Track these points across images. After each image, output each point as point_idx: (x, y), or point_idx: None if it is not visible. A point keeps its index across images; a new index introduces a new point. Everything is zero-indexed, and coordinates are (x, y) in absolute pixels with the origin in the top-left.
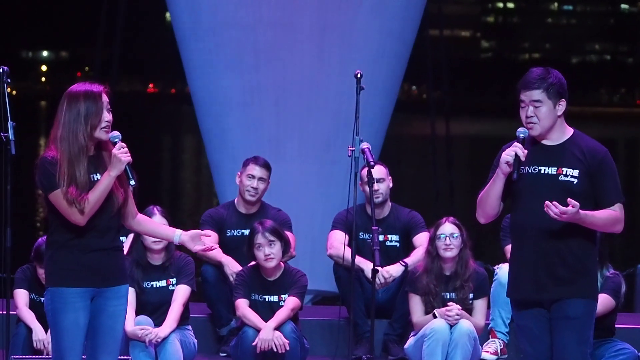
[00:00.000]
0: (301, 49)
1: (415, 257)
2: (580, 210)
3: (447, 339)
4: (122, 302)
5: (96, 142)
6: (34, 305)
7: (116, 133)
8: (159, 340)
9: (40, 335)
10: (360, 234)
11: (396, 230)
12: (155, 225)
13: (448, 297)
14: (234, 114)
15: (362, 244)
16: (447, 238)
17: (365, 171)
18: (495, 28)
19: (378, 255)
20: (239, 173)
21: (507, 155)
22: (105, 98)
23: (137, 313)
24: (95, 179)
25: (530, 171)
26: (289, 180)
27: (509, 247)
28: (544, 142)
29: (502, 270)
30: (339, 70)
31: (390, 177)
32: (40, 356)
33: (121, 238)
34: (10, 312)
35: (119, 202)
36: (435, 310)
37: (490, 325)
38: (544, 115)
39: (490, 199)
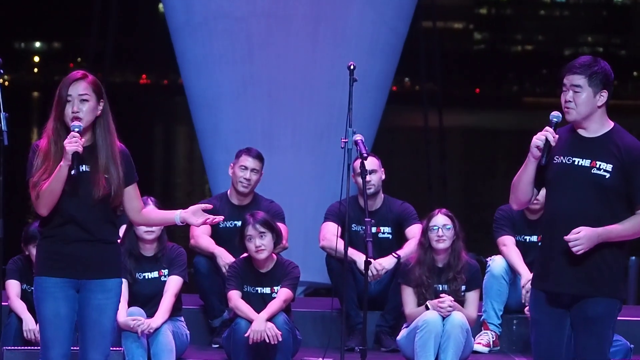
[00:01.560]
0: (294, 41)
1: (408, 249)
2: (598, 229)
3: (439, 330)
4: (108, 295)
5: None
6: (25, 296)
7: (77, 123)
8: (151, 331)
9: (31, 325)
10: (353, 225)
11: (389, 222)
12: (156, 214)
13: (440, 288)
14: (227, 106)
15: (355, 236)
16: (440, 229)
17: (358, 163)
18: (488, 20)
19: (371, 247)
20: (232, 164)
21: (538, 139)
22: (81, 87)
23: (130, 304)
24: (82, 169)
25: (564, 161)
26: (282, 172)
27: (502, 239)
28: (581, 132)
29: (495, 262)
30: (332, 62)
31: (382, 169)
32: (31, 347)
33: None
34: (3, 303)
35: (98, 194)
36: (427, 302)
37: (482, 317)
38: (582, 101)
39: (521, 184)
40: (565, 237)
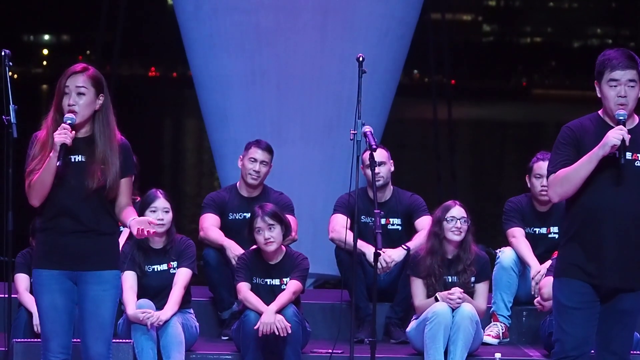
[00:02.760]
0: (303, 33)
1: (418, 241)
2: None
3: (449, 322)
4: (105, 287)
5: (77, 122)
6: None
7: (70, 115)
8: (161, 323)
9: None
10: (362, 217)
11: (398, 214)
12: (125, 215)
13: (450, 280)
14: (236, 98)
15: (364, 228)
16: (458, 221)
17: (367, 154)
18: (497, 12)
19: (380, 239)
20: (241, 156)
21: (615, 138)
22: (79, 79)
23: (139, 297)
24: (76, 160)
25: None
26: (291, 164)
27: (511, 231)
28: (612, 124)
29: (504, 254)
30: (341, 54)
31: (391, 161)
32: (40, 340)
33: None
34: (12, 296)
35: (92, 185)
36: (437, 294)
37: (492, 309)
38: (635, 96)
39: (578, 179)
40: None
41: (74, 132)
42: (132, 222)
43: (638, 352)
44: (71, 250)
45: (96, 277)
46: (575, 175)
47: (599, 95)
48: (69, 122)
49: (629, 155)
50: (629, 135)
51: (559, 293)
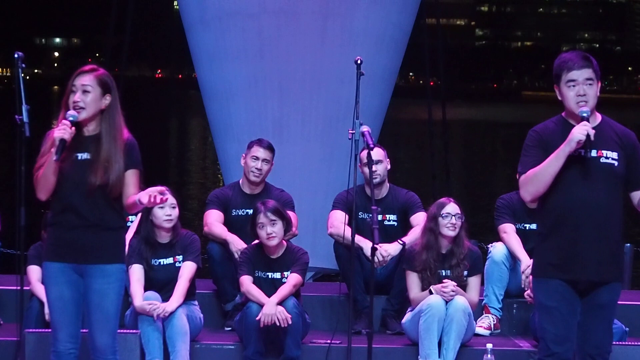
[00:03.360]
0: (304, 37)
1: (413, 236)
2: None
3: (442, 314)
4: (109, 280)
5: (83, 120)
6: None
7: (72, 112)
8: (167, 314)
9: None
10: (360, 213)
11: (394, 210)
12: (131, 200)
13: (444, 274)
14: (239, 99)
15: (362, 223)
16: (453, 218)
17: (364, 153)
18: (489, 17)
19: (377, 234)
20: (244, 155)
21: (580, 134)
22: (85, 78)
23: (146, 289)
24: (81, 157)
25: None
26: (292, 162)
27: (502, 227)
28: (574, 123)
29: (496, 249)
30: (340, 57)
31: (388, 159)
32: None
33: (130, 217)
34: (24, 288)
35: (95, 182)
36: (431, 287)
37: (484, 302)
38: (594, 94)
39: (547, 177)
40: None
41: (74, 128)
42: (142, 194)
43: (624, 342)
44: (76, 244)
45: (100, 271)
46: (544, 172)
47: (559, 98)
48: (70, 118)
49: (593, 152)
50: (594, 130)
51: (538, 293)
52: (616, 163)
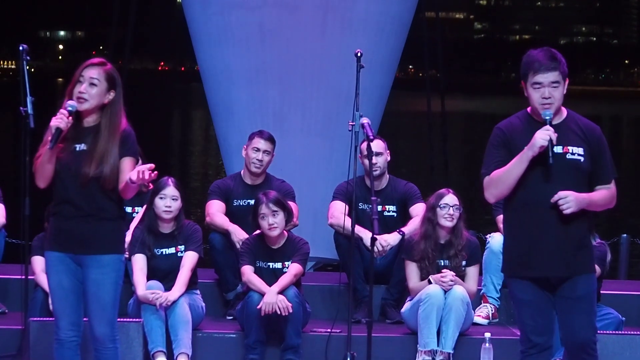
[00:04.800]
0: (305, 29)
1: (412, 226)
2: (582, 195)
3: (441, 303)
4: (105, 271)
5: (84, 111)
6: None
7: (72, 102)
8: (169, 303)
9: None
10: (360, 204)
11: (393, 201)
12: (123, 183)
13: (442, 264)
14: (241, 91)
15: (362, 214)
16: (451, 209)
17: (364, 145)
18: (487, 10)
19: (377, 225)
20: (245, 146)
21: (542, 139)
22: (93, 71)
23: (148, 278)
24: (79, 148)
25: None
26: (293, 153)
27: (500, 217)
28: (540, 122)
29: (494, 239)
30: (341, 50)
31: (388, 151)
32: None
33: (136, 209)
34: (29, 277)
35: (89, 173)
36: (430, 277)
37: (482, 291)
38: (559, 96)
39: (510, 180)
40: (553, 198)
41: (71, 118)
42: (131, 172)
43: (620, 332)
44: (74, 235)
45: (96, 261)
46: (508, 176)
47: (525, 94)
48: (69, 108)
49: (559, 149)
50: (556, 134)
51: (512, 289)
52: (582, 159)
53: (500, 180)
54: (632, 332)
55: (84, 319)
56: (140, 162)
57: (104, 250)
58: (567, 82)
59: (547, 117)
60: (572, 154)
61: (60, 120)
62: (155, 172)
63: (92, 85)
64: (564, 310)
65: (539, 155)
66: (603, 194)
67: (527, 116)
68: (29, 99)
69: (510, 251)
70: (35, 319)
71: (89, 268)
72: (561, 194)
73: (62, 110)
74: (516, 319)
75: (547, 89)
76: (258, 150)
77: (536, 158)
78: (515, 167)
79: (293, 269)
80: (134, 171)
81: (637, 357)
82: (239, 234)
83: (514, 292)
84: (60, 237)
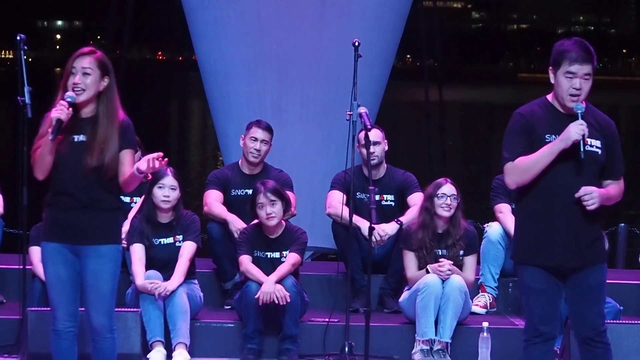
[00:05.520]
0: (302, 19)
1: (410, 216)
2: (602, 190)
3: (439, 293)
4: (103, 261)
5: (81, 102)
6: None
7: (70, 94)
8: (168, 293)
9: None
10: (358, 193)
11: (391, 190)
12: (127, 175)
13: (440, 253)
14: (239, 81)
15: (359, 203)
16: (448, 198)
17: (362, 134)
18: (485, 0)
19: (374, 214)
20: (243, 136)
21: (576, 133)
22: (85, 60)
23: (147, 268)
24: (78, 139)
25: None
26: (291, 143)
27: (498, 207)
28: (559, 108)
29: (492, 229)
30: (338, 39)
31: (386, 140)
32: None
33: (135, 198)
34: (26, 267)
35: (90, 163)
36: (428, 266)
37: (480, 281)
38: (588, 89)
39: (536, 169)
40: (578, 193)
41: (71, 109)
42: (139, 162)
43: (618, 321)
44: (72, 225)
45: (94, 251)
46: (535, 166)
47: (552, 81)
48: (68, 99)
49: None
50: (588, 129)
51: (522, 276)
52: (599, 151)
53: (526, 168)
54: (630, 322)
55: (81, 309)
56: (139, 152)
57: (102, 240)
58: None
59: (579, 111)
60: (591, 146)
61: (60, 112)
62: (166, 159)
63: (85, 75)
64: (575, 300)
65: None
66: (616, 190)
67: (548, 104)
68: (26, 89)
69: (524, 238)
70: (32, 308)
71: (87, 258)
72: (586, 189)
73: (61, 102)
74: (523, 307)
75: (579, 80)
76: (256, 139)
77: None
78: (544, 157)
79: (291, 258)
80: (142, 161)
81: (635, 346)
82: (236, 224)
83: (523, 280)
84: (58, 228)
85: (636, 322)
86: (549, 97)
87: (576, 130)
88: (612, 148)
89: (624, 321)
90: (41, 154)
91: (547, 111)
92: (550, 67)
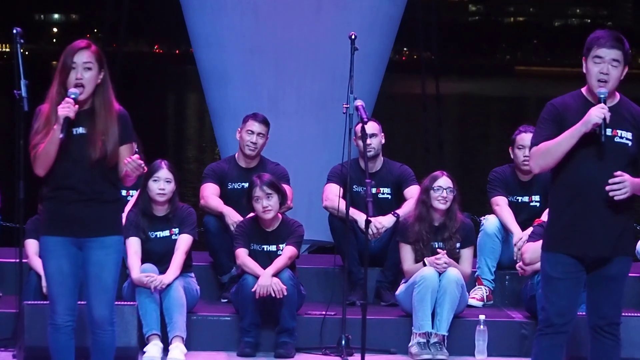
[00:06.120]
0: (299, 12)
1: (407, 209)
2: (636, 179)
3: (436, 285)
4: (108, 252)
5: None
6: None
7: (74, 90)
8: (164, 286)
9: None
10: (354, 186)
11: (388, 183)
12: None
13: (437, 246)
14: (235, 74)
15: (356, 196)
16: (444, 191)
17: (359, 127)
18: None
19: (371, 207)
20: (239, 129)
21: (597, 116)
22: (85, 55)
23: (143, 262)
24: (77, 132)
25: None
26: (287, 136)
27: (495, 199)
28: (593, 102)
29: (488, 221)
30: (335, 32)
31: (382, 133)
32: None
33: (131, 192)
34: (23, 261)
35: (95, 155)
36: (424, 259)
37: (476, 273)
38: (617, 76)
39: (558, 153)
40: (608, 185)
41: (77, 106)
42: (125, 166)
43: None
44: (75, 218)
45: (99, 243)
46: (557, 148)
47: (584, 71)
48: (72, 96)
49: (608, 131)
50: (610, 113)
51: (545, 264)
52: (630, 143)
53: (549, 151)
54: (627, 314)
55: (80, 302)
56: (135, 145)
57: (107, 231)
58: (626, 69)
59: (602, 96)
60: (621, 137)
61: (68, 109)
62: (138, 162)
63: (87, 70)
64: (593, 287)
65: (590, 133)
66: None
67: (581, 96)
68: (23, 82)
69: (552, 227)
70: (29, 302)
71: (92, 250)
72: (617, 179)
73: (67, 99)
74: (540, 295)
75: (606, 65)
76: (252, 132)
77: (587, 136)
78: (565, 140)
79: (287, 251)
80: (126, 167)
81: (632, 339)
82: (233, 217)
83: (545, 268)
84: (60, 222)
85: (633, 314)
86: (583, 89)
87: (597, 113)
88: None
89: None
90: (45, 151)
91: (579, 102)
92: (583, 57)
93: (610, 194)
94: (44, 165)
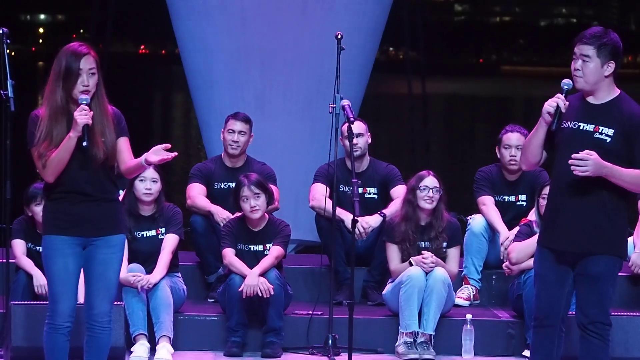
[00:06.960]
0: (286, 12)
1: (393, 208)
2: (606, 162)
3: (422, 285)
4: (113, 250)
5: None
6: (31, 254)
7: (84, 96)
8: (150, 286)
9: (42, 280)
10: (341, 186)
11: (374, 183)
12: (133, 162)
13: (423, 246)
14: (222, 74)
15: (343, 196)
16: (431, 191)
17: (345, 127)
18: None
19: (358, 207)
20: (222, 130)
21: (549, 105)
22: (89, 61)
23: (129, 261)
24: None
25: (570, 126)
26: (274, 136)
27: (481, 199)
28: (589, 100)
29: (475, 221)
30: (321, 32)
31: (369, 133)
32: (37, 302)
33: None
34: (10, 261)
35: (99, 158)
36: (411, 259)
37: (463, 273)
38: (589, 71)
39: (531, 147)
40: (572, 155)
41: (92, 111)
42: (149, 154)
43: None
44: (83, 218)
45: (105, 242)
46: (527, 144)
47: None
48: (84, 102)
49: (590, 127)
50: (566, 102)
51: (535, 260)
52: (609, 139)
53: (525, 147)
54: (617, 313)
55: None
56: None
57: (113, 230)
58: (610, 64)
59: (565, 87)
60: (600, 133)
61: (86, 117)
62: (175, 153)
63: (92, 75)
64: (577, 285)
65: (574, 129)
66: (634, 172)
67: (582, 95)
68: (9, 82)
69: (542, 222)
70: (17, 302)
71: (98, 248)
72: (582, 154)
73: (83, 106)
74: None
75: (578, 60)
76: (233, 131)
77: (568, 131)
78: (533, 134)
79: (274, 251)
80: (150, 152)
81: (623, 338)
82: (221, 214)
83: (534, 263)
84: (68, 221)
85: (623, 314)
86: None
87: (549, 102)
88: (631, 139)
89: (611, 313)
90: (58, 159)
91: (579, 102)
92: None
93: (572, 168)
94: (56, 172)
